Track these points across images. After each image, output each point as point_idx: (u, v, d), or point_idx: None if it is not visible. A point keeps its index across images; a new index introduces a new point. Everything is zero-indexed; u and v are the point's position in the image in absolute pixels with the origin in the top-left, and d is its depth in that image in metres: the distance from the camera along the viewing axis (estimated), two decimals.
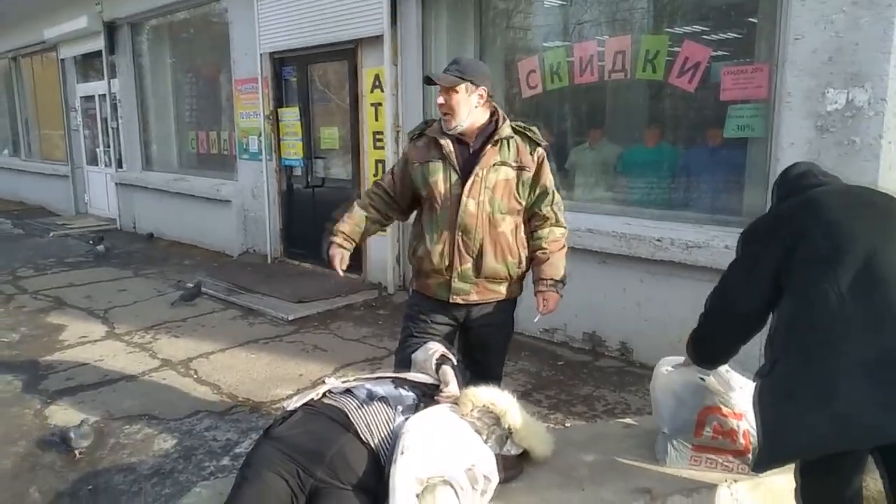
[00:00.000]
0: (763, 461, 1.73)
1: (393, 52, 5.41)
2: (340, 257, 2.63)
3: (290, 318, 5.18)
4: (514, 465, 2.17)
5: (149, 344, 4.66)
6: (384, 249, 5.80)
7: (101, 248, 7.46)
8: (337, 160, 6.53)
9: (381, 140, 5.74)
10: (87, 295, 6.01)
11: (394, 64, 5.43)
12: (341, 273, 2.68)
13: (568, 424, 3.30)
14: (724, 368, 2.25)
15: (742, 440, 2.21)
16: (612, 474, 2.24)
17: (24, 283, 6.53)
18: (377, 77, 5.66)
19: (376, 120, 5.76)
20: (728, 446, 2.22)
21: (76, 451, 3.11)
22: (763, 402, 1.74)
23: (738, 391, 2.21)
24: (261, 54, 6.71)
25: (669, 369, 2.37)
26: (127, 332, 4.92)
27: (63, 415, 3.55)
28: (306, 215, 6.82)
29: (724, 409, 2.21)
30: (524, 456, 2.19)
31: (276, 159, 6.93)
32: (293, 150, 6.74)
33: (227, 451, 3.11)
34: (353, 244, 2.65)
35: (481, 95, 2.40)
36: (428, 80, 2.48)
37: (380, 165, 5.78)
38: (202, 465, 2.99)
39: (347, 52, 5.96)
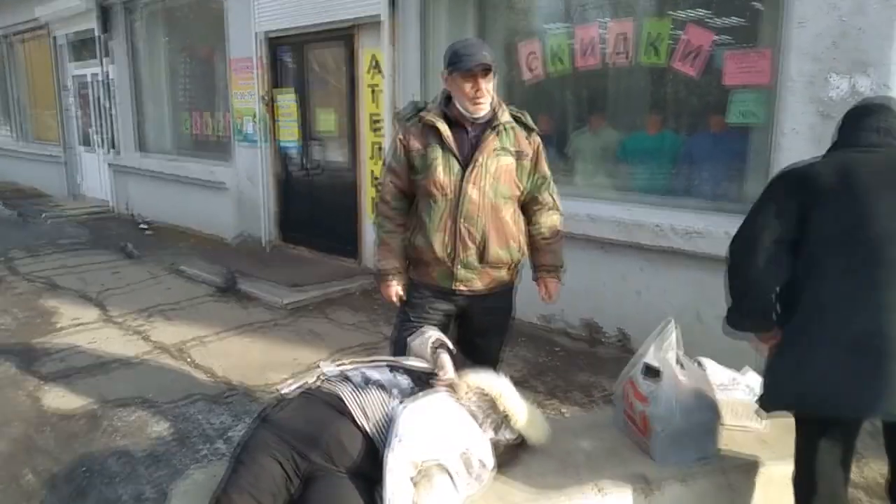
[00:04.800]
0: (761, 404, 1.96)
1: (391, 34, 5.33)
2: (395, 292, 2.59)
3: (286, 303, 5.15)
4: (510, 451, 2.15)
5: (143, 328, 4.63)
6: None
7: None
8: (334, 144, 6.47)
9: (378, 123, 5.68)
10: (80, 278, 5.97)
11: (392, 46, 5.36)
12: (399, 297, 2.62)
13: (565, 412, 3.29)
14: (671, 350, 2.27)
15: (640, 422, 2.25)
16: (608, 461, 2.23)
17: (17, 266, 6.48)
18: (375, 59, 5.59)
19: (373, 103, 5.70)
20: (635, 422, 2.29)
21: None
22: (768, 351, 1.96)
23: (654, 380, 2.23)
24: (256, 34, 6.62)
25: None
26: (121, 316, 4.89)
27: (57, 398, 3.53)
28: (303, 200, 6.77)
29: (635, 387, 2.28)
30: (520, 442, 2.18)
31: (272, 142, 6.87)
32: (289, 133, 6.68)
33: (222, 435, 3.10)
34: (402, 268, 2.58)
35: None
36: (471, 67, 2.30)
37: (377, 149, 5.73)
38: (196, 449, 2.98)
39: (345, 35, 5.88)
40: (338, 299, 5.33)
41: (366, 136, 5.85)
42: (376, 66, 5.60)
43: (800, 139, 3.34)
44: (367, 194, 5.93)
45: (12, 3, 10.91)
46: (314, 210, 6.66)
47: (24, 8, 10.50)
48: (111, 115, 9.48)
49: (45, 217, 9.31)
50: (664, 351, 2.27)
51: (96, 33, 9.13)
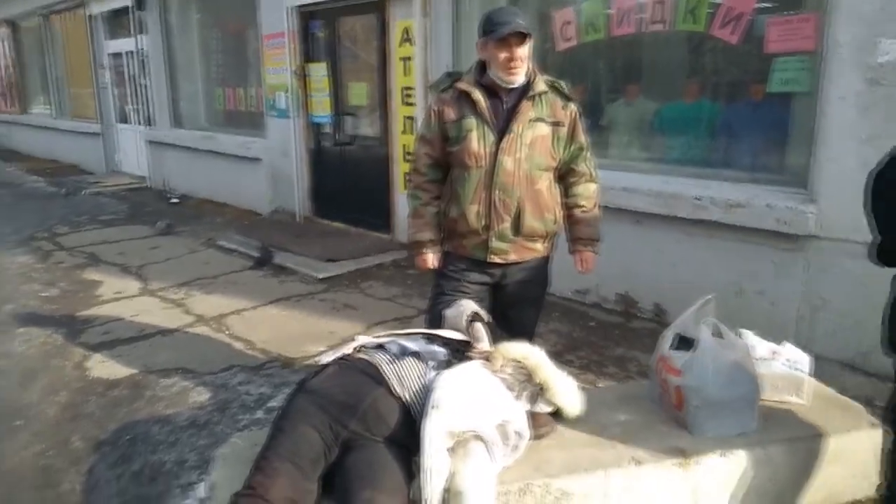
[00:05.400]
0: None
1: (423, 3, 5.27)
2: (430, 261, 2.58)
3: (320, 276, 5.21)
4: (546, 423, 2.16)
5: (182, 300, 4.74)
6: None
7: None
8: (366, 117, 6.46)
9: (410, 96, 5.65)
10: (120, 252, 6.12)
11: (424, 16, 5.29)
12: (437, 266, 2.61)
13: (600, 385, 3.28)
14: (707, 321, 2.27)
15: (675, 395, 2.23)
16: (644, 434, 2.22)
17: (60, 240, 6.67)
18: (406, 30, 5.54)
19: (405, 75, 5.66)
20: (670, 395, 2.27)
21: None
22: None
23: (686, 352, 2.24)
24: (288, 8, 6.60)
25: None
26: (161, 289, 5.00)
27: (102, 367, 3.64)
28: (335, 173, 6.80)
29: (669, 360, 2.27)
30: (556, 414, 2.19)
31: (304, 116, 6.89)
32: (321, 106, 6.68)
33: (261, 405, 3.16)
34: (437, 239, 2.57)
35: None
36: (505, 35, 2.27)
37: (409, 122, 5.70)
38: (236, 418, 3.05)
39: (376, 5, 5.82)
40: (371, 272, 5.37)
41: (398, 109, 5.83)
42: (408, 38, 5.54)
43: (847, 107, 3.23)
44: (399, 167, 5.92)
45: None
46: (346, 183, 6.68)
47: None
48: (146, 91, 9.60)
49: (85, 192, 9.53)
50: (699, 323, 2.25)
51: (130, 10, 9.21)
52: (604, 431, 2.22)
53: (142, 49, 9.38)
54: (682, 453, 2.11)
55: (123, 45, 10.02)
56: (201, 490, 2.47)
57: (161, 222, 7.10)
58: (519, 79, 2.35)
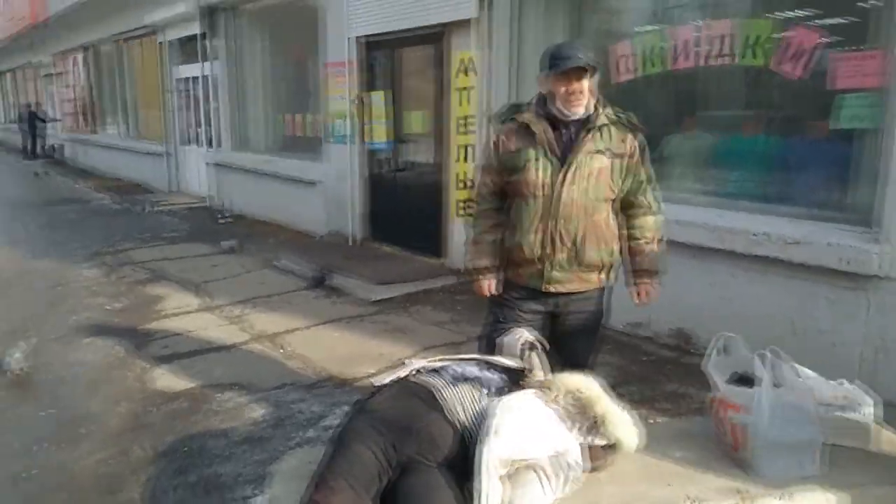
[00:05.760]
0: None
1: (483, 35, 5.38)
2: (488, 288, 2.61)
3: (373, 298, 5.30)
4: (601, 456, 2.14)
5: (240, 317, 4.89)
6: (465, 236, 5.80)
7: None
8: (422, 145, 6.59)
9: (467, 125, 5.74)
10: (182, 269, 6.35)
11: (483, 48, 5.40)
12: (495, 293, 2.63)
13: (652, 421, 3.23)
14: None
15: (733, 434, 2.20)
16: (700, 472, 2.18)
17: (126, 256, 6.97)
18: (465, 61, 5.65)
19: (462, 104, 5.77)
20: (728, 434, 2.23)
21: (12, 372, 3.80)
22: None
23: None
24: (350, 38, 6.83)
25: None
26: (220, 306, 5.17)
27: (162, 380, 3.78)
28: (390, 199, 6.93)
29: (728, 397, 2.24)
30: (612, 447, 2.17)
31: (362, 143, 7.07)
32: (379, 133, 6.85)
33: (314, 424, 3.23)
34: (495, 266, 2.60)
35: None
36: (566, 68, 2.32)
37: (465, 151, 5.79)
38: (290, 435, 3.12)
39: (436, 36, 5.98)
40: (422, 297, 5.42)
41: (454, 138, 5.92)
42: (466, 68, 5.66)
43: None
44: (453, 194, 6.00)
45: (125, 11, 11.70)
46: (401, 209, 6.80)
47: (134, 15, 11.26)
48: (211, 114, 10.01)
49: (150, 210, 9.94)
50: (761, 361, 2.21)
51: (199, 38, 9.66)
52: (659, 468, 2.19)
53: (209, 75, 9.81)
54: (740, 494, 2.06)
55: (192, 70, 10.50)
56: None
57: (226, 242, 7.32)
58: (580, 110, 2.38)
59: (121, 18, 12.07)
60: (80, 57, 15.58)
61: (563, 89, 2.34)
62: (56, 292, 5.64)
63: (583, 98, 2.36)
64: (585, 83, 2.35)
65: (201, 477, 2.80)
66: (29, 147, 18.25)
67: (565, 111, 2.39)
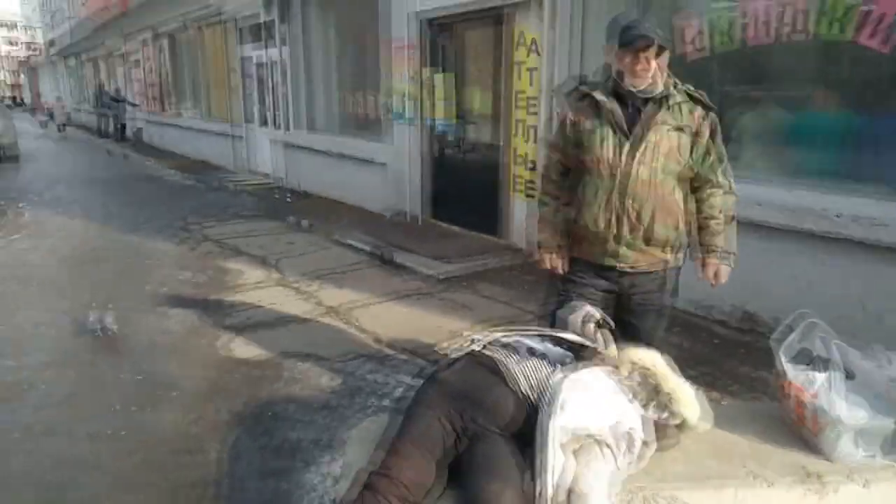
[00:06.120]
0: None
1: (548, 13, 5.33)
2: (555, 264, 2.63)
3: (439, 276, 5.40)
4: (671, 434, 2.15)
5: (314, 291, 5.08)
6: (529, 214, 5.82)
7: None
8: (484, 124, 6.61)
9: (531, 104, 5.73)
10: (259, 245, 6.63)
11: (547, 24, 5.35)
12: (560, 271, 2.65)
13: (723, 402, 3.20)
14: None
15: (810, 418, 2.15)
16: (775, 455, 2.15)
17: (206, 232, 7.32)
18: (528, 38, 5.62)
19: (525, 83, 5.74)
20: (805, 417, 2.19)
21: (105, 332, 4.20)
22: None
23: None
24: (413, 17, 6.88)
25: None
26: (295, 280, 5.39)
27: (244, 349, 3.99)
28: (453, 177, 7.01)
29: (803, 380, 2.20)
30: (680, 426, 2.18)
31: (426, 122, 7.14)
32: (442, 113, 6.89)
33: (387, 394, 3.36)
34: (563, 244, 2.61)
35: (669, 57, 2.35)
36: (632, 40, 2.27)
37: (530, 130, 5.78)
38: (364, 404, 3.26)
39: (501, 15, 5.96)
40: (485, 274, 5.49)
41: (515, 116, 5.92)
42: (529, 45, 5.62)
43: None
44: (515, 174, 6.01)
45: None
46: (463, 188, 6.86)
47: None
48: (281, 96, 10.28)
49: (223, 188, 10.35)
50: (834, 342, 2.17)
51: (262, 19, 9.90)
52: (730, 448, 2.18)
53: (279, 58, 10.06)
54: (819, 479, 2.03)
55: (262, 53, 10.79)
56: (336, 468, 2.67)
57: (295, 219, 7.57)
58: (644, 83, 2.34)
59: (197, 3, 12.48)
60: (160, 43, 16.23)
61: (627, 59, 2.30)
62: (144, 265, 6.00)
63: (648, 73, 2.32)
64: (652, 58, 2.30)
65: (283, 440, 2.95)
66: (112, 129, 19.19)
67: (630, 82, 2.35)
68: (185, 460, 2.84)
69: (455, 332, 4.15)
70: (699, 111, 2.40)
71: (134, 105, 19.32)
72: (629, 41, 2.27)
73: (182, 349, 4.04)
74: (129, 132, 19.15)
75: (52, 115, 25.09)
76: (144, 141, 18.47)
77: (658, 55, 2.31)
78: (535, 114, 5.68)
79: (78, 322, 4.43)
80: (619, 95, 2.39)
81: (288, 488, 2.63)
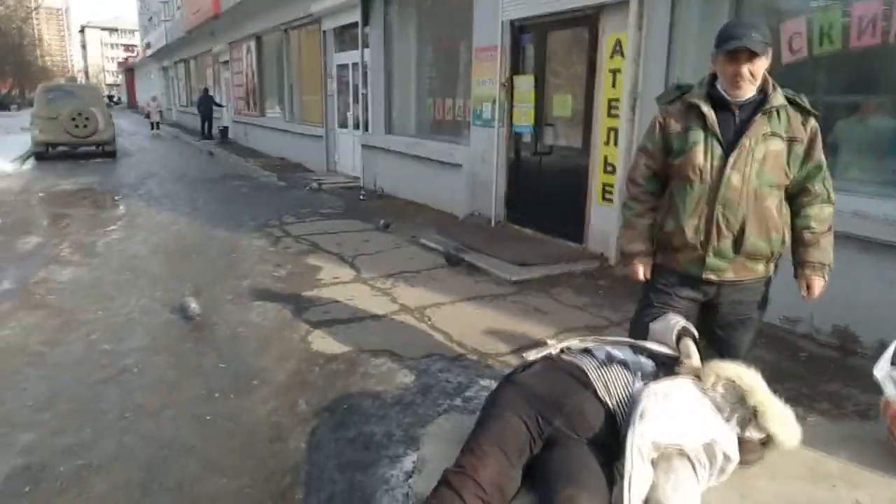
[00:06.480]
0: None
1: (638, 16, 5.23)
2: (642, 269, 2.59)
3: (513, 279, 5.38)
4: (755, 450, 2.10)
5: (389, 289, 5.18)
6: (608, 220, 5.73)
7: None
8: (567, 128, 6.54)
9: (615, 108, 5.63)
10: (337, 242, 6.81)
11: (638, 29, 5.25)
12: (644, 278, 2.60)
13: (810, 421, 3.05)
14: None
15: None
16: (869, 478, 2.07)
17: (288, 228, 7.59)
18: (618, 43, 5.53)
19: (612, 87, 5.65)
20: None
21: (193, 317, 4.48)
22: None
23: None
24: (501, 22, 6.90)
25: None
26: (371, 278, 5.51)
27: (322, 342, 4.11)
28: (532, 181, 6.97)
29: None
30: (766, 442, 2.10)
31: (507, 126, 7.14)
32: (524, 116, 6.88)
33: (459, 393, 3.38)
34: (649, 251, 2.58)
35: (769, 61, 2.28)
36: (728, 47, 2.24)
37: (612, 133, 5.69)
38: (437, 402, 3.29)
39: (588, 18, 5.89)
40: (561, 280, 5.44)
41: (601, 121, 5.83)
42: (619, 50, 5.53)
43: None
44: (598, 178, 5.92)
45: (290, 1, 12.54)
46: (542, 192, 6.82)
47: (300, 4, 12.04)
48: (365, 99, 10.52)
49: (308, 187, 10.69)
50: None
51: (359, 25, 10.14)
52: (819, 468, 2.10)
53: (363, 61, 10.30)
54: None
55: (349, 57, 11.08)
56: (409, 463, 2.72)
57: (381, 220, 7.70)
58: (743, 94, 2.30)
59: (287, 8, 12.96)
60: (249, 45, 16.95)
61: (729, 70, 2.27)
62: (230, 258, 6.28)
63: (746, 81, 2.27)
64: (753, 66, 2.24)
65: (359, 433, 3.02)
66: (205, 128, 20.18)
67: (730, 93, 2.32)
68: (269, 449, 2.95)
69: (529, 336, 4.15)
70: (799, 117, 2.32)
71: (221, 106, 20.23)
72: (729, 50, 2.24)
73: (267, 340, 4.19)
74: (217, 131, 20.07)
75: (147, 115, 26.56)
76: (234, 141, 19.29)
77: (751, 60, 2.24)
78: (618, 117, 5.58)
79: (168, 310, 4.68)
80: (719, 102, 2.35)
81: (364, 480, 2.69)
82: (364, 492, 2.62)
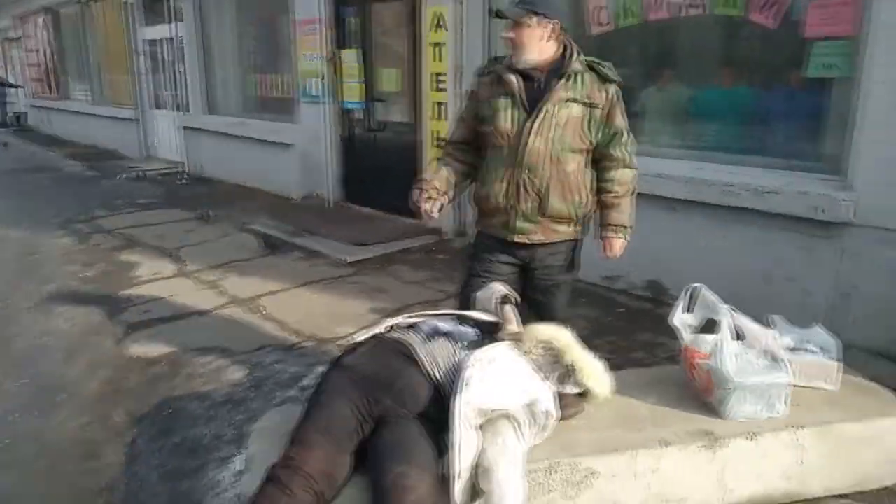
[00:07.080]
0: None
1: None
2: (427, 198, 2.53)
3: (350, 260, 5.28)
4: (574, 404, 2.19)
5: (217, 282, 4.85)
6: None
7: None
8: (396, 103, 6.50)
9: (441, 81, 5.67)
10: (158, 235, 6.27)
11: (456, 2, 5.30)
12: (435, 214, 2.57)
13: (627, 369, 3.29)
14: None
15: (703, 380, 2.28)
16: (672, 416, 2.25)
17: (99, 223, 6.86)
18: (439, 16, 5.54)
19: (437, 61, 5.67)
20: (699, 380, 2.32)
21: None
22: None
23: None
24: None
25: None
26: (196, 271, 5.13)
27: (141, 345, 3.76)
28: (366, 159, 6.86)
29: (697, 345, 2.35)
30: (584, 395, 2.21)
31: (336, 102, 6.95)
32: (353, 92, 6.73)
33: (294, 383, 3.25)
34: (444, 194, 2.56)
35: (553, 30, 2.34)
36: (498, 15, 2.43)
37: (440, 107, 5.72)
38: (271, 395, 3.13)
39: None
40: (400, 257, 5.42)
41: (428, 95, 5.85)
42: (440, 24, 5.55)
43: (888, 92, 3.17)
44: (429, 153, 5.95)
45: None
46: (377, 169, 6.74)
47: None
48: (181, 77, 9.76)
49: (122, 176, 9.75)
50: (722, 308, 2.27)
51: None
52: (631, 414, 2.25)
53: (177, 36, 9.53)
54: (710, 436, 2.13)
55: (159, 31, 10.18)
56: (238, 463, 2.56)
57: (201, 209, 7.19)
58: (523, 59, 2.38)
59: None
60: (42, 20, 15.02)
61: (502, 37, 2.40)
62: (29, 261, 5.56)
63: (519, 46, 2.37)
64: (524, 31, 2.35)
65: (184, 438, 2.81)
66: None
67: (513, 60, 2.41)
68: (83, 467, 2.67)
69: (367, 317, 4.09)
70: (598, 83, 2.41)
71: (16, 87, 17.88)
72: (501, 17, 2.41)
73: (76, 349, 3.77)
74: (10, 117, 17.72)
75: None
76: (33, 127, 17.13)
77: (517, 28, 2.35)
78: (446, 91, 5.62)
79: None
80: (523, 71, 2.40)
81: (191, 486, 2.50)
82: (191, 499, 2.44)
